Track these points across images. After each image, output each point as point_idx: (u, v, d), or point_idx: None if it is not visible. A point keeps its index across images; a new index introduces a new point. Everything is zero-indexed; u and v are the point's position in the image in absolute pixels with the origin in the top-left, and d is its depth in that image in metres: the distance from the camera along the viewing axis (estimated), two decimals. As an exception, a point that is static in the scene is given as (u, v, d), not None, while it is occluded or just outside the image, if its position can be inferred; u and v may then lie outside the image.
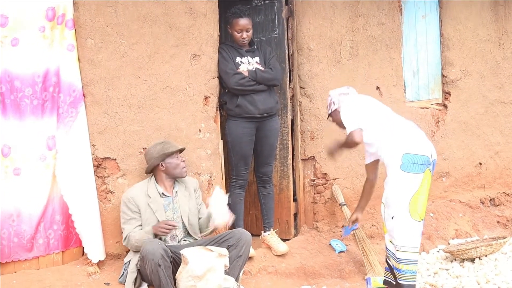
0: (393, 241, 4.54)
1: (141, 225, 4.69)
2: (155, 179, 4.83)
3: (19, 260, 4.66)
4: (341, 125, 4.91)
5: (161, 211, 4.73)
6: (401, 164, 4.42)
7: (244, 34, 5.30)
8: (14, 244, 4.62)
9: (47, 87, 4.68)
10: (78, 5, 4.72)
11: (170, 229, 4.56)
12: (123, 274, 4.68)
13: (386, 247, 4.65)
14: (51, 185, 4.73)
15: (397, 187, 4.46)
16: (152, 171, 4.85)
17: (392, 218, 4.49)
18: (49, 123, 4.70)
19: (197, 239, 4.82)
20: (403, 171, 4.41)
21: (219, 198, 4.71)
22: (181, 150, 4.89)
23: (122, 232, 4.74)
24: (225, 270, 4.47)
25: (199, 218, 4.91)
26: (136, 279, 4.55)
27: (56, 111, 4.72)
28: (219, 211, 4.67)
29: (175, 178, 4.86)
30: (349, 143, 4.81)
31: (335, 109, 4.94)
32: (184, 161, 4.86)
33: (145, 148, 4.95)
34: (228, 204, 4.76)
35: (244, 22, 5.28)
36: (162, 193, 4.80)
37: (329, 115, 5.09)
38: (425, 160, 4.45)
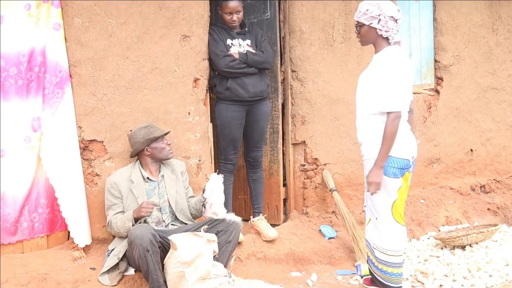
0: (376, 243, 4.37)
1: (123, 211, 4.60)
2: (140, 163, 4.73)
3: (2, 244, 4.56)
4: (365, 41, 4.31)
5: (143, 197, 4.64)
6: None
7: (234, 17, 5.19)
8: (-3, 228, 4.52)
9: (33, 66, 4.56)
10: (65, -18, 4.60)
11: (151, 208, 4.47)
12: (106, 261, 4.60)
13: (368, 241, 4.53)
14: (36, 167, 4.62)
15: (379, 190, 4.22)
16: (137, 155, 4.75)
17: (376, 219, 4.33)
18: (34, 104, 4.59)
19: (186, 223, 4.73)
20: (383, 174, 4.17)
21: (217, 186, 4.56)
22: (166, 133, 4.80)
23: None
24: (214, 256, 4.39)
25: (188, 201, 4.82)
26: (117, 265, 4.49)
27: (42, 92, 4.60)
28: (217, 199, 4.55)
29: (161, 161, 4.77)
30: (393, 130, 4.10)
31: (374, 27, 4.19)
32: (169, 144, 4.76)
33: (130, 132, 4.84)
34: None
35: (234, 4, 5.17)
36: (147, 177, 4.70)
37: (361, 25, 4.28)
38: (405, 164, 4.19)
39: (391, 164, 4.12)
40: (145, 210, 4.45)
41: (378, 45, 4.24)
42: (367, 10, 4.17)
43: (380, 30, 4.14)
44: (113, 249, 4.58)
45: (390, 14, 4.13)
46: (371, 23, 4.17)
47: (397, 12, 4.16)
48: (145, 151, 4.69)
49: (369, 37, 4.25)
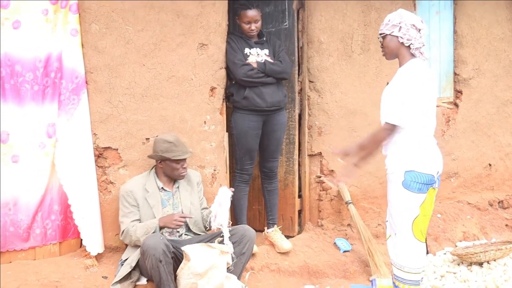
0: (394, 259, 4.23)
1: (139, 219, 4.55)
2: (156, 171, 4.68)
3: (14, 250, 4.53)
4: (389, 53, 4.17)
5: (158, 206, 4.59)
6: (403, 181, 4.03)
7: (253, 26, 5.16)
8: (10, 234, 4.48)
9: (49, 72, 4.53)
10: (83, -12, 4.58)
11: (183, 222, 4.45)
12: (119, 271, 4.53)
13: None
14: (50, 173, 4.59)
15: (400, 205, 4.10)
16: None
17: (395, 234, 4.20)
18: (49, 109, 4.55)
19: (199, 234, 4.68)
20: (405, 189, 4.03)
21: (224, 199, 4.49)
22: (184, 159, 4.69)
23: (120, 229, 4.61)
24: (228, 268, 4.33)
25: (201, 212, 4.77)
26: (129, 274, 4.42)
27: (58, 98, 4.57)
28: (222, 212, 4.47)
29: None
30: (379, 138, 4.07)
31: (396, 36, 4.07)
32: (185, 167, 4.66)
33: (148, 138, 4.81)
34: (232, 200, 4.60)
35: (252, 13, 5.14)
36: (162, 187, 4.65)
37: (384, 35, 4.16)
38: (430, 179, 4.04)
39: (415, 179, 4.02)
40: (176, 223, 4.41)
41: (402, 57, 4.15)
42: (389, 20, 4.11)
43: (402, 38, 4.06)
44: (126, 259, 4.53)
45: (411, 22, 4.04)
46: (392, 31, 4.08)
47: (419, 21, 4.08)
48: (159, 164, 4.64)
49: (392, 47, 4.16)
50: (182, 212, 4.66)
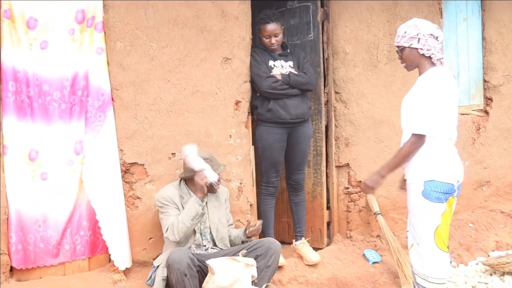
0: (418, 269, 4.17)
1: None
2: (186, 184, 4.70)
3: (44, 265, 4.61)
4: (410, 65, 4.14)
5: None
6: (422, 190, 3.99)
7: (273, 40, 5.18)
8: (40, 250, 4.56)
9: (76, 90, 4.62)
10: (108, 7, 4.65)
11: (204, 176, 4.47)
12: (151, 276, 4.56)
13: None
14: (78, 190, 4.66)
15: (421, 215, 4.06)
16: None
17: (418, 244, 4.14)
18: (76, 127, 4.64)
19: (223, 249, 4.70)
20: (425, 198, 3.99)
21: (193, 153, 4.51)
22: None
23: (163, 229, 4.55)
24: (253, 281, 4.34)
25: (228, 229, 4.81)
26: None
27: (84, 115, 4.66)
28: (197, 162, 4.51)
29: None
30: (408, 153, 4.00)
31: (415, 48, 4.04)
32: (219, 179, 4.67)
33: (174, 153, 4.85)
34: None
35: (271, 27, 5.16)
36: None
37: (402, 48, 4.13)
38: (449, 189, 4.00)
39: (435, 188, 3.99)
40: (198, 178, 4.47)
41: (422, 67, 4.13)
42: (405, 32, 4.08)
43: (422, 49, 4.04)
44: (158, 266, 4.53)
45: (429, 32, 4.01)
46: (411, 44, 4.06)
47: (436, 29, 4.05)
48: (193, 178, 4.65)
49: (412, 59, 4.14)
50: (210, 229, 4.68)
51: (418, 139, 3.95)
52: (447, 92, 3.99)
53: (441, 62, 4.06)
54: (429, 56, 4.04)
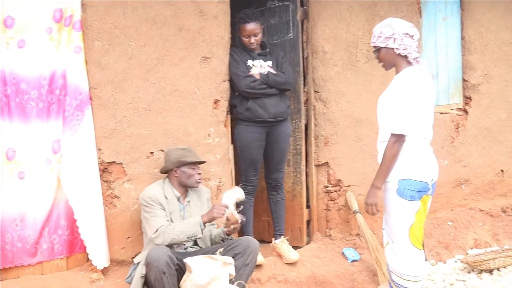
0: (393, 266, 4.24)
1: (169, 220, 4.56)
2: (170, 182, 4.72)
3: (22, 265, 4.59)
4: (388, 64, 4.18)
5: (176, 213, 4.63)
6: (397, 189, 4.04)
7: (252, 39, 5.19)
8: (17, 249, 4.54)
9: (53, 89, 4.61)
10: (86, 6, 4.65)
11: (223, 210, 4.48)
12: (131, 274, 4.58)
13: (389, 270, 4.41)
14: (56, 189, 4.65)
15: (396, 213, 4.10)
16: (166, 173, 4.75)
17: (393, 242, 4.19)
18: (54, 126, 4.63)
19: (203, 247, 4.71)
20: (399, 196, 4.04)
21: (236, 193, 4.60)
22: (201, 163, 4.77)
23: (148, 229, 4.54)
24: (231, 279, 4.35)
25: (210, 230, 4.82)
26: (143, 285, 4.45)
27: (62, 114, 4.64)
28: (228, 199, 4.57)
29: (187, 187, 4.75)
30: (393, 154, 4.00)
31: (391, 48, 4.07)
32: (200, 173, 4.73)
33: (153, 152, 4.86)
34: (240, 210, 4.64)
35: (251, 27, 5.17)
36: (179, 197, 4.69)
37: (379, 48, 4.16)
38: (424, 187, 4.04)
39: (409, 187, 4.03)
40: (217, 211, 4.46)
41: (398, 66, 4.16)
42: (381, 32, 4.11)
43: (398, 49, 4.07)
44: (139, 262, 4.53)
45: (404, 31, 4.05)
46: (387, 44, 4.08)
47: (411, 28, 4.08)
48: (174, 172, 4.67)
49: (389, 59, 4.17)
50: None
51: (398, 139, 3.97)
52: (423, 91, 4.02)
53: (417, 61, 4.09)
54: (406, 55, 4.07)
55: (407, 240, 4.10)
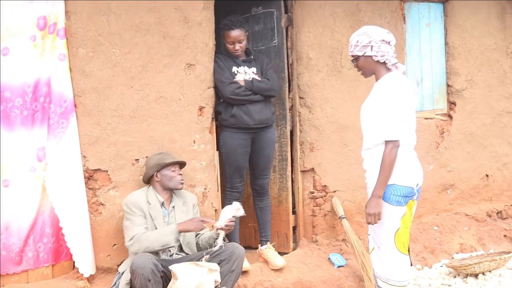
0: (378, 272, 4.23)
1: (147, 228, 4.55)
2: (154, 188, 4.72)
3: (7, 273, 4.57)
4: (367, 72, 4.18)
5: (159, 219, 4.62)
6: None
7: (237, 46, 5.20)
8: (2, 257, 4.53)
9: (38, 97, 4.60)
10: (70, 14, 4.65)
11: (202, 226, 4.48)
12: (115, 283, 4.56)
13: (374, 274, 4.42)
14: (41, 197, 4.64)
15: (381, 219, 4.06)
16: (149, 181, 4.75)
17: (379, 247, 4.19)
18: (39, 134, 4.62)
19: (189, 254, 4.70)
20: (385, 202, 4.02)
21: (233, 210, 4.56)
22: (180, 164, 4.79)
23: (126, 236, 4.56)
24: (216, 286, 4.34)
25: (198, 235, 4.80)
26: None
27: (47, 122, 4.64)
28: (225, 216, 4.54)
29: (171, 190, 4.75)
30: (391, 161, 3.97)
31: (370, 56, 4.08)
32: (181, 174, 4.75)
33: (138, 159, 4.86)
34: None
35: (235, 34, 5.18)
36: (163, 202, 4.69)
37: (357, 57, 4.17)
38: (409, 192, 4.05)
39: (394, 192, 4.04)
40: (195, 224, 4.47)
41: (378, 73, 4.18)
42: (358, 41, 4.13)
43: (376, 56, 4.09)
44: (123, 272, 4.53)
45: (380, 38, 4.07)
46: (365, 52, 4.10)
47: (387, 34, 4.10)
48: (155, 177, 4.68)
49: (368, 67, 4.19)
50: None
51: (394, 145, 3.96)
52: (404, 96, 4.04)
53: (396, 67, 4.11)
54: (384, 62, 4.10)
55: (392, 246, 4.11)
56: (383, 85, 4.05)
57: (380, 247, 4.17)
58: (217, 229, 4.54)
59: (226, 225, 4.52)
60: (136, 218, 4.53)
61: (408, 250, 4.24)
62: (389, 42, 4.08)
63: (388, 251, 4.13)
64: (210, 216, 5.12)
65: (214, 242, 4.58)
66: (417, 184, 4.15)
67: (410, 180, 4.08)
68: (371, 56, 4.10)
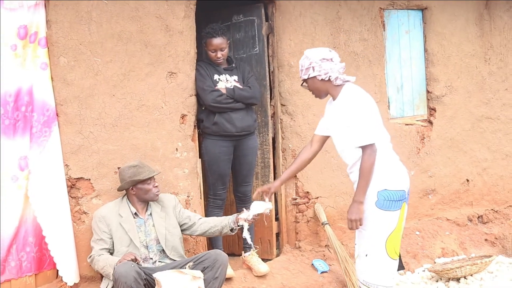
0: (366, 279, 4.22)
1: (108, 248, 4.58)
2: (128, 199, 4.73)
3: (-11, 283, 4.56)
4: (319, 93, 4.30)
5: (133, 231, 4.64)
6: (376, 201, 4.05)
7: (219, 54, 5.23)
8: (-16, 267, 4.52)
9: (19, 106, 4.59)
10: (51, 23, 4.65)
11: (130, 257, 4.38)
12: None
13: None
14: (24, 206, 4.62)
15: (373, 225, 4.10)
16: (124, 190, 4.77)
17: (366, 255, 4.18)
18: (21, 143, 4.60)
19: (174, 260, 4.71)
20: (379, 209, 4.05)
21: (264, 207, 4.61)
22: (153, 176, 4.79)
23: None
24: (200, 293, 4.36)
25: (193, 224, 4.85)
26: None
27: (29, 131, 4.63)
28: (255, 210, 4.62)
29: (147, 201, 4.78)
30: (370, 165, 4.02)
31: (314, 76, 4.21)
32: (157, 186, 4.76)
33: (120, 168, 4.86)
34: None
35: (217, 41, 5.21)
36: (135, 213, 4.70)
37: (305, 80, 4.32)
38: (402, 195, 4.08)
39: (388, 197, 4.04)
40: (126, 257, 4.40)
41: (331, 91, 4.24)
42: (302, 66, 4.27)
43: (319, 75, 4.18)
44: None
45: (319, 58, 4.17)
46: (309, 74, 4.22)
47: (327, 52, 4.20)
48: (131, 190, 4.69)
49: (317, 87, 4.28)
50: (158, 239, 4.70)
51: (371, 149, 4.02)
52: (370, 100, 4.13)
53: (344, 80, 4.19)
54: (329, 79, 4.16)
55: (383, 252, 4.11)
56: (347, 97, 4.13)
57: (370, 254, 4.16)
58: (242, 220, 4.67)
59: (253, 218, 4.64)
60: (98, 237, 4.62)
61: (399, 254, 4.27)
62: (331, 59, 4.18)
63: (378, 258, 4.13)
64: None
65: (229, 231, 4.76)
66: (407, 186, 4.19)
67: (401, 184, 4.12)
68: (315, 77, 4.22)
